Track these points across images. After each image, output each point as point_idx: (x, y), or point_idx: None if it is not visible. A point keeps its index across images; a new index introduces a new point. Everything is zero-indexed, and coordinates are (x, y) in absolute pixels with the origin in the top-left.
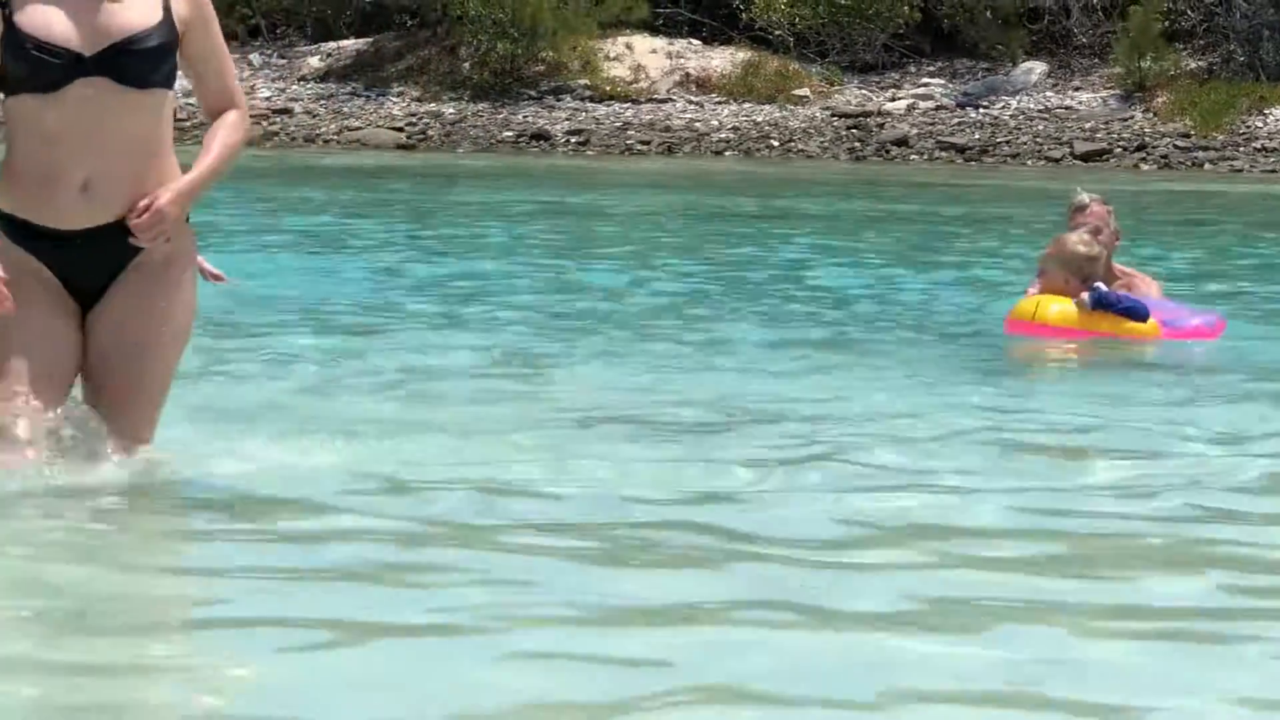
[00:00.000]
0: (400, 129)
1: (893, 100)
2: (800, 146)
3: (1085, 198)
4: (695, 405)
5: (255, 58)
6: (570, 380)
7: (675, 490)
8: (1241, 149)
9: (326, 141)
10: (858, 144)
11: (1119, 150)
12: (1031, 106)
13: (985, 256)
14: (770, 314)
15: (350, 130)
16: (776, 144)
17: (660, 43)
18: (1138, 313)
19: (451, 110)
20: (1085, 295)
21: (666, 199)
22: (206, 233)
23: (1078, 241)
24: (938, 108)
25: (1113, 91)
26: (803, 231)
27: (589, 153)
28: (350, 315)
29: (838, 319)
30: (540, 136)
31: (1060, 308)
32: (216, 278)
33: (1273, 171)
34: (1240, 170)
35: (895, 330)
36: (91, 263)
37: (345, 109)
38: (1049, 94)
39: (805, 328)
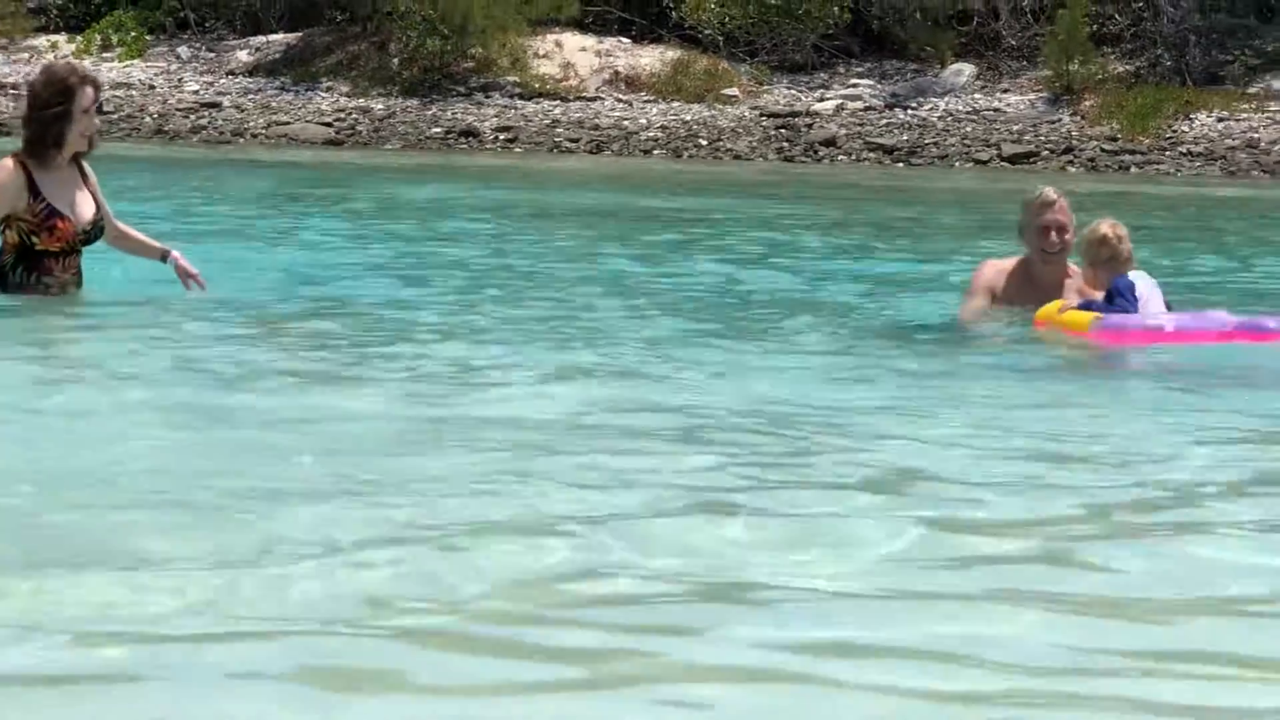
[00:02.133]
0: (329, 124)
1: (821, 100)
2: (729, 146)
3: (1052, 192)
4: (630, 410)
5: (183, 51)
6: (509, 386)
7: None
8: (1167, 153)
9: (254, 136)
10: (786, 144)
11: (1046, 153)
12: (960, 108)
13: (915, 256)
14: (701, 313)
15: (278, 125)
16: (705, 143)
17: (590, 41)
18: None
19: (380, 106)
20: (1070, 301)
21: (596, 197)
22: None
23: (1094, 228)
24: (866, 108)
25: (1041, 94)
26: (731, 230)
27: (517, 150)
28: (265, 309)
29: (770, 317)
30: (469, 133)
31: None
32: (192, 278)
33: (1198, 175)
34: (1167, 174)
35: (826, 328)
36: None
37: (274, 104)
38: (977, 96)
39: (736, 325)
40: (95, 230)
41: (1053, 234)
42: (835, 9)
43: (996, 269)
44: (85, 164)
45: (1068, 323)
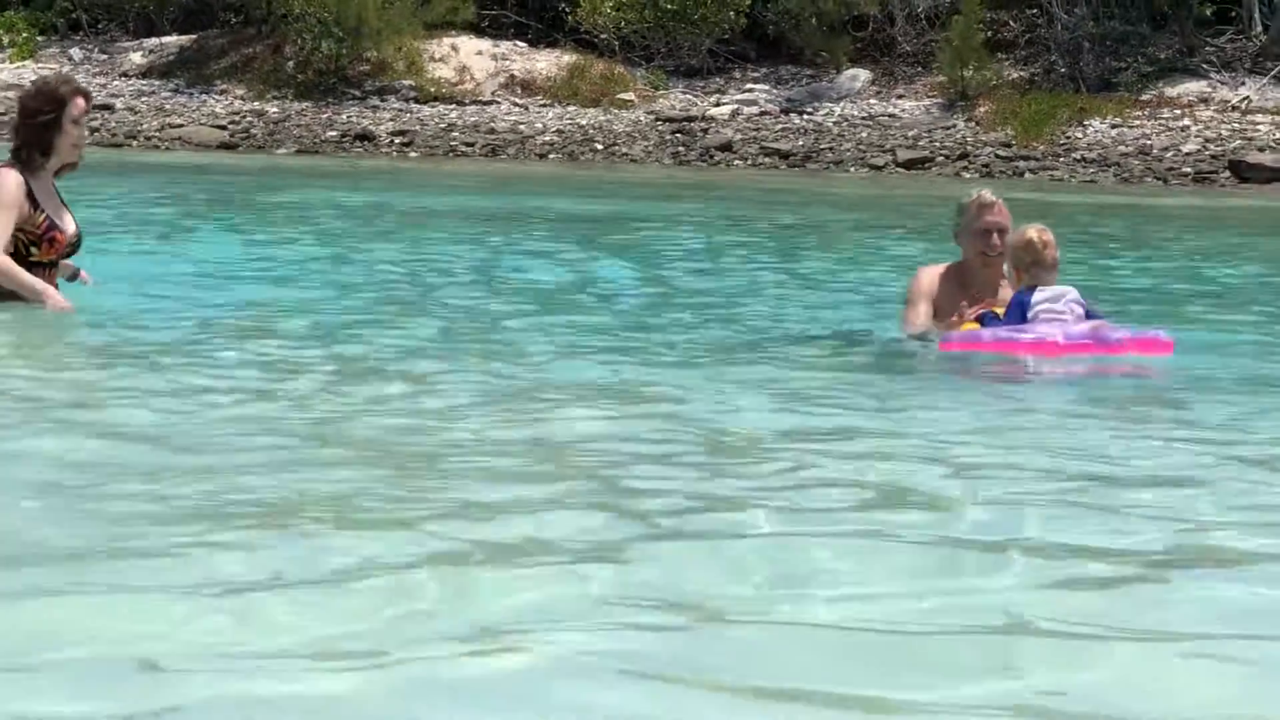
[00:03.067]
0: (223, 127)
1: (717, 105)
2: (624, 150)
3: (990, 194)
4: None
5: (76, 52)
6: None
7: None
8: (1061, 159)
9: (148, 139)
10: (682, 148)
11: (941, 158)
12: (855, 114)
13: (820, 260)
14: (602, 319)
15: (172, 128)
16: (600, 147)
17: (485, 44)
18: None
19: (275, 109)
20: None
21: (491, 202)
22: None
23: (1021, 231)
24: (762, 113)
25: (936, 100)
26: (632, 235)
27: (413, 154)
28: (146, 317)
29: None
30: (364, 137)
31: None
32: (77, 278)
33: (1092, 181)
34: (1061, 180)
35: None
36: None
37: (167, 106)
38: (873, 101)
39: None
40: (79, 243)
41: (994, 236)
42: (731, 14)
43: (931, 275)
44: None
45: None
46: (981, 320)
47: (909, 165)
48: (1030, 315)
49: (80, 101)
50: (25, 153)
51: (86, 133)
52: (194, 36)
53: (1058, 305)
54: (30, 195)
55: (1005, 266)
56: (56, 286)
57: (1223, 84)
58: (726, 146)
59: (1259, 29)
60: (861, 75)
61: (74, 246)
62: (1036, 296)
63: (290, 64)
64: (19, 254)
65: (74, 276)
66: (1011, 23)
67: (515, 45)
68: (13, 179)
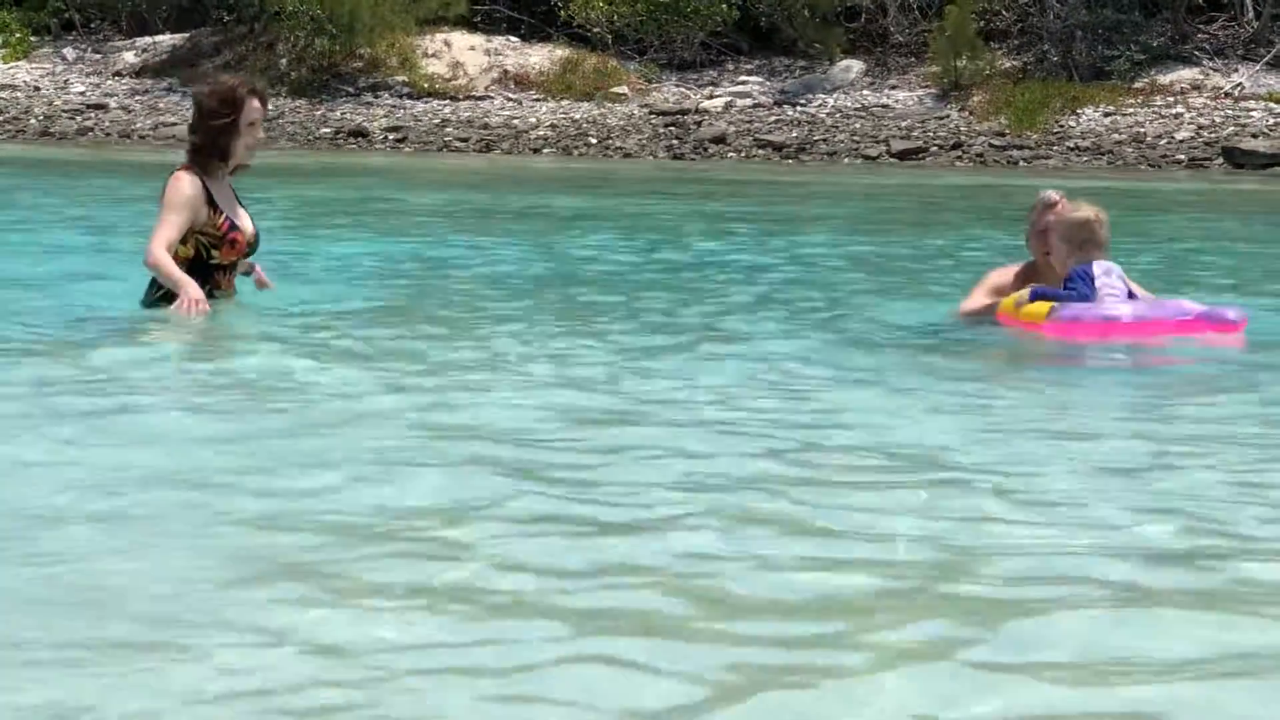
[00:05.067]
0: None
1: (710, 98)
2: (618, 144)
3: (1054, 194)
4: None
5: (69, 52)
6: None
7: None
8: (1055, 147)
9: (142, 138)
10: (675, 141)
11: (935, 149)
12: (849, 105)
13: (812, 251)
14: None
15: (165, 126)
16: (594, 141)
17: (478, 40)
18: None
19: (269, 107)
20: (1025, 292)
21: (487, 197)
22: (10, 229)
23: (1074, 207)
24: (755, 105)
25: (929, 90)
26: (619, 227)
27: (406, 150)
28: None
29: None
30: (358, 133)
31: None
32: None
33: (1086, 169)
34: (1055, 169)
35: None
36: None
37: (160, 105)
38: (866, 92)
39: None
40: (257, 243)
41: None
42: (724, 6)
43: (1002, 274)
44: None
45: (1026, 316)
46: (1044, 296)
47: (903, 156)
48: (1097, 291)
49: (256, 104)
50: (203, 156)
51: (262, 134)
52: (186, 35)
53: (1111, 279)
54: (209, 199)
55: (1053, 238)
56: (234, 289)
57: (1215, 71)
58: (720, 139)
59: (1250, 15)
60: (855, 66)
61: (253, 247)
62: (1097, 271)
63: (283, 61)
64: (199, 257)
65: (249, 271)
66: (1004, 12)
67: (508, 40)
68: (188, 182)
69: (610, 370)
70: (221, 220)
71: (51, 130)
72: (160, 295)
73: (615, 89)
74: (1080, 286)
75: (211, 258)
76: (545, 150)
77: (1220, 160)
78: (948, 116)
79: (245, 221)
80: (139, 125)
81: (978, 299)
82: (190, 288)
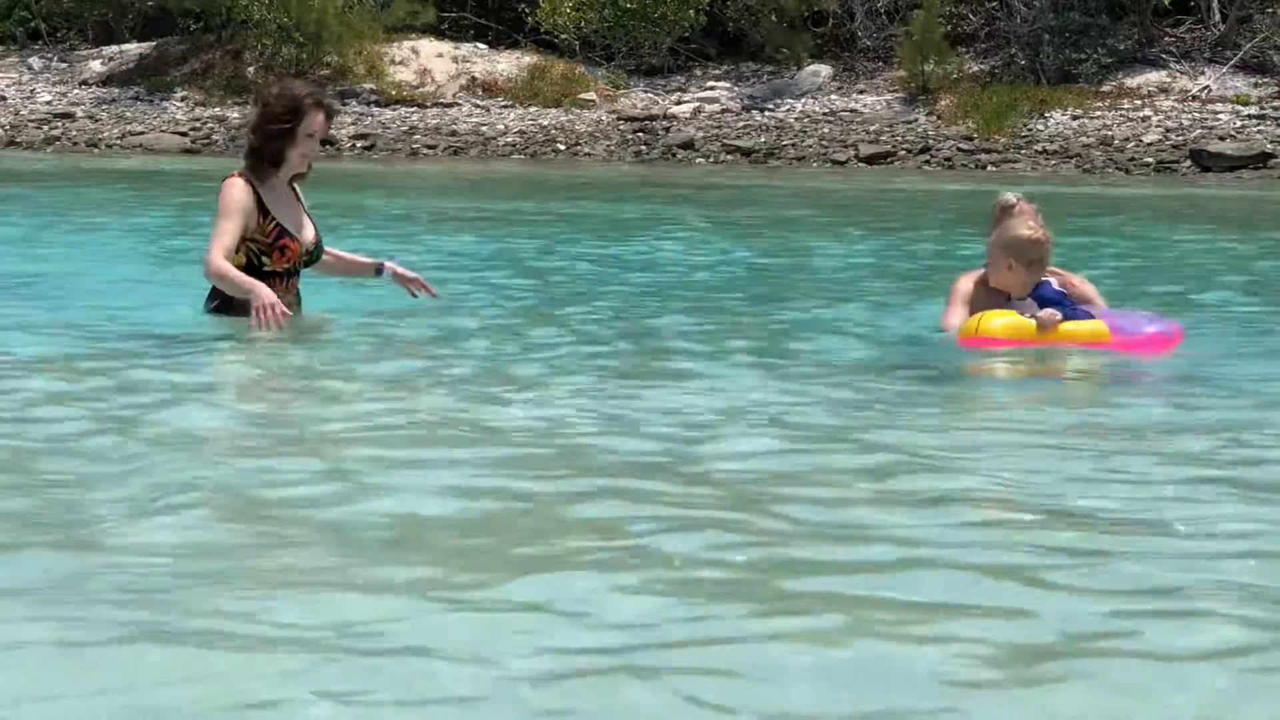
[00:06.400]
0: (184, 133)
1: (678, 104)
2: (586, 150)
3: (1012, 197)
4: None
5: (35, 61)
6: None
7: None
8: (1023, 151)
9: (109, 146)
10: (644, 147)
11: (903, 153)
12: (817, 109)
13: (775, 258)
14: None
15: (133, 134)
16: (563, 147)
17: (446, 47)
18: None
19: (236, 115)
20: (1040, 313)
21: (459, 203)
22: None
23: (1021, 225)
24: (723, 111)
25: (897, 94)
26: (602, 233)
27: (375, 157)
28: (120, 320)
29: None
30: (325, 141)
31: (1003, 321)
32: (422, 287)
33: (1054, 173)
34: (1023, 172)
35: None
36: None
37: (128, 113)
38: (834, 97)
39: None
40: (317, 251)
41: None
42: (691, 12)
43: (969, 279)
44: (296, 185)
45: (1081, 335)
46: (1056, 306)
47: (871, 160)
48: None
49: (321, 118)
50: (256, 161)
51: (319, 146)
52: (153, 44)
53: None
54: (260, 203)
55: (1005, 254)
56: (298, 295)
57: (1183, 74)
58: (688, 144)
59: (1217, 18)
60: (822, 71)
61: (310, 255)
62: (1055, 284)
63: (251, 69)
64: (250, 265)
65: (379, 271)
66: (971, 16)
67: (476, 47)
68: (238, 187)
69: (575, 381)
70: (271, 227)
71: (18, 139)
72: (218, 304)
73: (583, 95)
74: (1066, 303)
75: (263, 265)
76: (513, 156)
77: (1188, 163)
78: (916, 121)
79: (305, 228)
80: (106, 134)
81: (958, 312)
82: (262, 292)
